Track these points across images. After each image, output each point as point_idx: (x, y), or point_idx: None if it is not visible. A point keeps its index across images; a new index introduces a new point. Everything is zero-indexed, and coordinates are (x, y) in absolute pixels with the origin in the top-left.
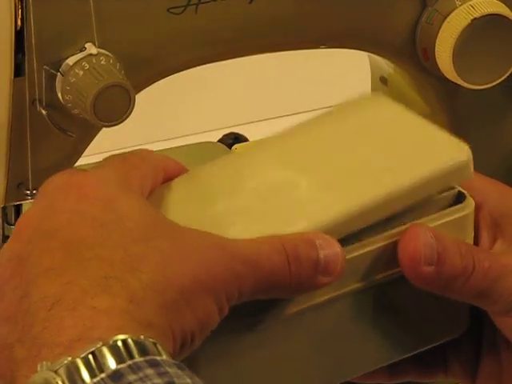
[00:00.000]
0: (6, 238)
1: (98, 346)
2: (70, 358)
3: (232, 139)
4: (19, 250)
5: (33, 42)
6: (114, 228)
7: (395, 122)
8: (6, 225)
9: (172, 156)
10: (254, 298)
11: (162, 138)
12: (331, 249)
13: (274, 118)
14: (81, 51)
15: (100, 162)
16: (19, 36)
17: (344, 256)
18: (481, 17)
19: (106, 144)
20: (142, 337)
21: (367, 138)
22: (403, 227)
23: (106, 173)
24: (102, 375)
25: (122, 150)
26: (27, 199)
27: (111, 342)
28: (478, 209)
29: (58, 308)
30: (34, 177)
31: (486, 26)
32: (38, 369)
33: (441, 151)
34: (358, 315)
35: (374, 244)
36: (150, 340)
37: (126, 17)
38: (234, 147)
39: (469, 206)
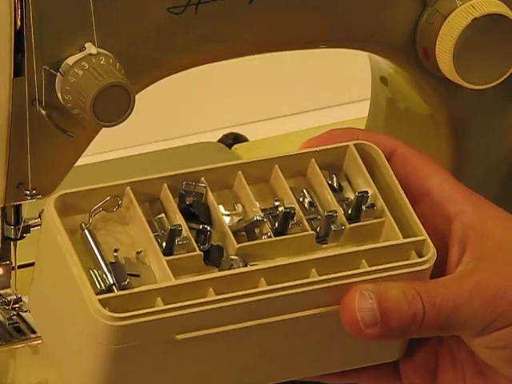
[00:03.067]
0: (5, 238)
1: None
2: None
3: (232, 139)
4: None
5: (32, 41)
6: None
7: None
8: (5, 225)
9: (172, 156)
10: None
11: (162, 138)
12: None
13: (273, 118)
14: (80, 51)
15: (100, 162)
16: (19, 36)
17: None
18: (481, 17)
19: (106, 144)
20: None
21: None
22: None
23: None
24: None
25: (122, 150)
26: (27, 199)
27: None
28: (451, 220)
29: None
30: (33, 177)
31: (486, 26)
32: None
33: None
34: (298, 335)
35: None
36: None
37: (125, 17)
38: (233, 147)
39: (430, 260)
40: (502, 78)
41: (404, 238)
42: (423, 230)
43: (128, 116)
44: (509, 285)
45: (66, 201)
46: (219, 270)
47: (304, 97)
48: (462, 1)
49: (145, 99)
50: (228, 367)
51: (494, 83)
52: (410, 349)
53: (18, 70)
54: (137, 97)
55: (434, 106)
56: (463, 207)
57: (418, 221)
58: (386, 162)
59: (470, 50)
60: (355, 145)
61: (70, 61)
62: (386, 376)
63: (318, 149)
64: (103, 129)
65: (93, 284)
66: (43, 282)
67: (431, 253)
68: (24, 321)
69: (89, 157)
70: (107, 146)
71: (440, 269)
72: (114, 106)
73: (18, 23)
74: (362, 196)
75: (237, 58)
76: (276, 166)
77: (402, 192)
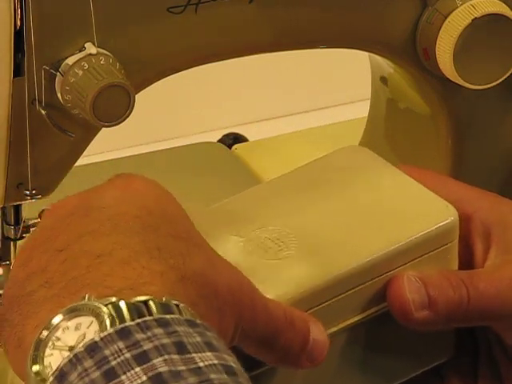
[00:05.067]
0: (5, 238)
1: (147, 298)
2: (114, 299)
3: (232, 139)
4: (56, 221)
5: (32, 41)
6: (163, 220)
7: (381, 181)
8: (5, 225)
9: (172, 156)
10: (249, 349)
11: (162, 138)
12: (320, 335)
13: (273, 118)
14: (80, 51)
15: (100, 162)
16: (19, 36)
17: (327, 346)
18: (481, 16)
19: (106, 144)
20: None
21: (355, 198)
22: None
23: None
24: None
25: (122, 150)
26: (27, 199)
27: (163, 300)
28: (469, 219)
29: (106, 259)
30: (33, 177)
31: (486, 26)
32: (82, 300)
33: (428, 213)
34: (348, 350)
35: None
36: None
37: (125, 16)
38: (233, 147)
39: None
40: (502, 78)
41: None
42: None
43: (128, 116)
44: None
45: None
46: None
47: (304, 97)
48: (462, 1)
49: (145, 99)
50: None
51: (494, 83)
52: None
53: (17, 70)
54: (137, 97)
55: (434, 106)
56: (479, 205)
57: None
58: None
59: (469, 50)
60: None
61: (70, 61)
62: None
63: None
64: (103, 129)
65: None
66: None
67: (452, 211)
68: None
69: (89, 157)
70: (107, 146)
71: (468, 268)
72: (113, 106)
73: (18, 23)
74: None
75: (237, 57)
76: None
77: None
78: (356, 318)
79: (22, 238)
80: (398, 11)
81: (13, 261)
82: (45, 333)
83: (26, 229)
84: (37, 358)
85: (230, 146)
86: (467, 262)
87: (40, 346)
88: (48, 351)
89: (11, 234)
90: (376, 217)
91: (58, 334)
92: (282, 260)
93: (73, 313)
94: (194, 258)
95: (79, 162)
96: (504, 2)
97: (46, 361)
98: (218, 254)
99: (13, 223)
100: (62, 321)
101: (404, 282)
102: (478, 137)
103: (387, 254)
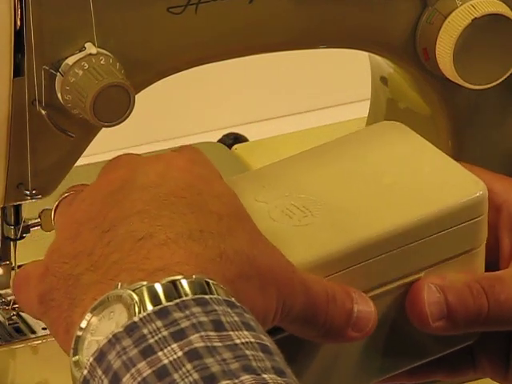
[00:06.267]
0: (5, 238)
1: (178, 278)
2: (145, 283)
3: (232, 139)
4: (104, 197)
5: (32, 41)
6: (209, 198)
7: (412, 154)
8: (5, 225)
9: None
10: (291, 328)
11: (162, 138)
12: (365, 306)
13: (274, 118)
14: (80, 51)
15: (100, 162)
16: (19, 36)
17: (376, 316)
18: (481, 16)
19: (106, 144)
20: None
21: (385, 170)
22: (416, 276)
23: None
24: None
25: (122, 150)
26: (27, 199)
27: (193, 278)
28: (498, 210)
29: (147, 241)
30: (33, 177)
31: (486, 26)
32: (114, 288)
33: (457, 186)
34: (385, 324)
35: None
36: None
37: (125, 16)
38: (233, 147)
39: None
40: (502, 78)
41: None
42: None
43: (128, 116)
44: None
45: None
46: None
47: (304, 97)
48: (462, 1)
49: (145, 99)
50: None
51: (494, 83)
52: (483, 337)
53: (17, 70)
54: (137, 97)
55: (434, 106)
56: (508, 197)
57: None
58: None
59: (470, 50)
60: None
61: (70, 61)
62: (461, 367)
63: None
64: (103, 129)
65: None
66: None
67: (481, 185)
68: (24, 321)
69: (89, 157)
70: (107, 146)
71: (495, 260)
72: (113, 106)
73: (18, 23)
74: None
75: (237, 57)
76: None
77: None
78: (381, 289)
79: (22, 237)
80: (398, 11)
81: (13, 261)
82: (83, 325)
83: (26, 229)
84: (77, 350)
85: (230, 146)
86: (495, 253)
87: (79, 340)
88: (86, 343)
89: (11, 233)
90: (405, 188)
91: (93, 327)
92: (306, 226)
93: (104, 304)
94: (237, 238)
95: (79, 162)
96: (504, 2)
97: (86, 352)
98: (260, 233)
99: (13, 223)
100: (93, 315)
101: (424, 292)
102: (478, 137)
103: (412, 224)
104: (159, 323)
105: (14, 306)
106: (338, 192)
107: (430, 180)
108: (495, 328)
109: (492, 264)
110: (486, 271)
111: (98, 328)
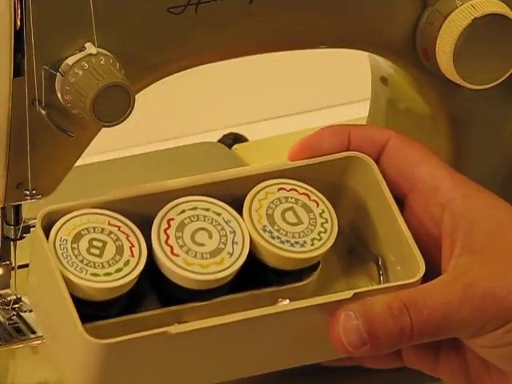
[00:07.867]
0: (5, 238)
1: None
2: None
3: (232, 139)
4: None
5: (32, 41)
6: None
7: None
8: (5, 225)
9: (172, 156)
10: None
11: (162, 138)
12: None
13: (274, 118)
14: (80, 51)
15: (100, 162)
16: (19, 36)
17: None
18: (481, 16)
19: (105, 144)
20: None
21: None
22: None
23: None
24: None
25: (122, 150)
26: (27, 199)
27: None
28: (442, 209)
29: None
30: (33, 177)
31: (486, 26)
32: None
33: None
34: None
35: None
36: None
37: (125, 17)
38: (233, 147)
39: (418, 275)
40: (502, 78)
41: (395, 253)
42: (414, 248)
43: (128, 116)
44: (497, 287)
45: (52, 217)
46: None
47: (304, 97)
48: (462, 1)
49: (145, 99)
50: (219, 359)
51: (494, 83)
52: None
53: (17, 70)
54: (137, 97)
55: (434, 106)
56: (453, 195)
57: (409, 235)
58: (378, 173)
59: (470, 50)
60: (346, 157)
61: (70, 61)
62: (387, 355)
63: (310, 162)
64: (103, 129)
65: None
66: (36, 288)
67: (421, 270)
68: (24, 321)
69: (89, 157)
70: (107, 146)
71: (435, 260)
72: (114, 106)
73: (18, 23)
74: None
75: (237, 57)
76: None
77: (395, 206)
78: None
79: (21, 237)
80: (398, 11)
81: (13, 261)
82: None
83: (26, 229)
84: None
85: (230, 146)
86: (436, 254)
87: None
88: None
89: (11, 233)
90: None
91: None
92: None
93: None
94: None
95: (79, 162)
96: (504, 2)
97: None
98: None
99: (13, 223)
100: None
101: (340, 322)
102: (477, 136)
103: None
104: None
105: (14, 306)
106: None
107: None
108: (427, 340)
109: (435, 264)
110: (432, 270)
111: None
